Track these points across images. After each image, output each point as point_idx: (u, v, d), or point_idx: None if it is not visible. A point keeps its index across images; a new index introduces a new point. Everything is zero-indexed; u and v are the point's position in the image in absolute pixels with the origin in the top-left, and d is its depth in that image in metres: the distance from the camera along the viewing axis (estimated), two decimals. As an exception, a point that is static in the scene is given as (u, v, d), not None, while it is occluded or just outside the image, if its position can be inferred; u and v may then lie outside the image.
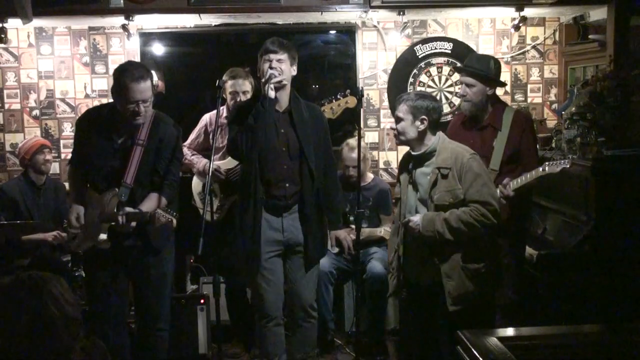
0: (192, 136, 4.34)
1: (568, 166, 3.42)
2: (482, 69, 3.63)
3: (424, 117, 3.19)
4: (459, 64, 4.95)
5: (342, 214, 4.14)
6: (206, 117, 4.33)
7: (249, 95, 4.08)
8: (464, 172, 3.13)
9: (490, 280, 3.24)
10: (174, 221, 3.21)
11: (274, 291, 3.46)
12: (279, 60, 3.34)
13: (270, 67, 3.31)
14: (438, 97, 5.12)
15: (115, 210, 3.22)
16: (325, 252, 3.75)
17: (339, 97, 4.16)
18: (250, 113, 3.29)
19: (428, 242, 3.17)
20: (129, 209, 3.20)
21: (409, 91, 3.17)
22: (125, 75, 3.19)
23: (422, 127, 3.20)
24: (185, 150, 4.38)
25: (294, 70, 3.43)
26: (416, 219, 3.17)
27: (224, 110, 4.23)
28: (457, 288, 3.15)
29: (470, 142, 3.46)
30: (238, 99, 4.06)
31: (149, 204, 3.28)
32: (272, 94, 3.29)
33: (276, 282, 3.46)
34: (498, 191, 3.43)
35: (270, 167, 3.38)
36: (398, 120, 3.26)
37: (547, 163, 3.48)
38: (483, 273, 3.18)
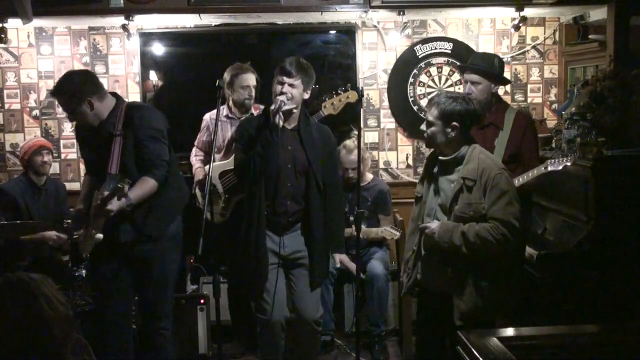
0: (198, 136, 4.39)
1: (570, 164, 3.41)
2: (488, 67, 3.64)
3: (455, 123, 3.02)
4: (459, 64, 4.96)
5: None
6: (206, 117, 4.36)
7: (253, 90, 4.14)
8: (489, 187, 2.98)
9: (500, 298, 3.10)
10: (125, 187, 3.04)
11: (275, 301, 3.41)
12: (291, 85, 3.30)
13: (282, 92, 3.27)
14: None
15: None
16: (328, 273, 3.71)
17: (339, 92, 4.14)
18: (259, 138, 3.27)
19: (442, 251, 3.06)
20: (106, 193, 3.10)
21: (439, 92, 3.03)
22: None
23: (452, 133, 3.04)
24: (193, 150, 4.41)
25: (306, 94, 3.39)
26: (434, 226, 3.06)
27: (224, 108, 4.25)
28: (467, 303, 3.03)
29: None
30: (247, 93, 4.12)
31: (137, 187, 3.20)
32: (280, 123, 3.26)
33: (277, 292, 3.41)
34: None
35: (274, 184, 3.36)
36: (429, 124, 3.09)
37: (549, 161, 3.47)
38: (494, 291, 3.05)
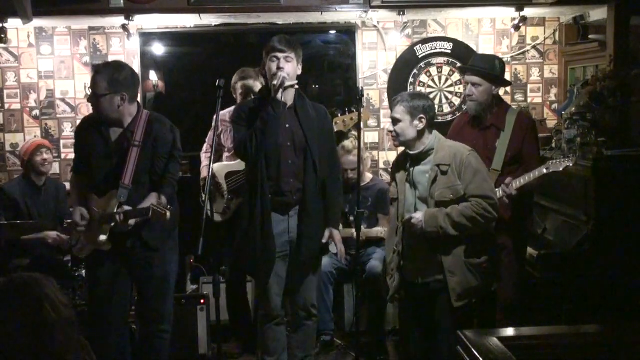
0: (209, 133, 4.37)
1: (571, 165, 3.42)
2: (488, 68, 3.64)
3: (422, 115, 3.23)
4: (459, 64, 4.96)
5: (342, 213, 4.13)
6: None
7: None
8: (463, 168, 3.18)
9: (491, 274, 3.28)
10: (168, 214, 3.17)
11: (279, 290, 3.45)
12: (286, 59, 3.30)
13: (279, 67, 3.28)
14: (438, 97, 5.13)
15: (114, 211, 3.23)
16: (326, 251, 3.71)
17: (352, 109, 4.16)
18: (258, 116, 3.26)
19: (430, 238, 3.19)
20: (127, 208, 3.21)
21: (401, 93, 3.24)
22: None
23: (420, 126, 3.24)
24: (204, 146, 4.41)
25: (299, 69, 3.41)
26: (418, 215, 3.20)
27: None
28: (461, 283, 3.18)
29: (472, 142, 3.47)
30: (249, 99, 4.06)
31: (148, 203, 3.26)
32: (284, 98, 3.26)
33: (281, 282, 3.45)
34: (501, 191, 3.45)
35: (276, 163, 3.35)
36: (395, 121, 3.28)
37: (550, 162, 3.47)
38: (485, 268, 3.23)
